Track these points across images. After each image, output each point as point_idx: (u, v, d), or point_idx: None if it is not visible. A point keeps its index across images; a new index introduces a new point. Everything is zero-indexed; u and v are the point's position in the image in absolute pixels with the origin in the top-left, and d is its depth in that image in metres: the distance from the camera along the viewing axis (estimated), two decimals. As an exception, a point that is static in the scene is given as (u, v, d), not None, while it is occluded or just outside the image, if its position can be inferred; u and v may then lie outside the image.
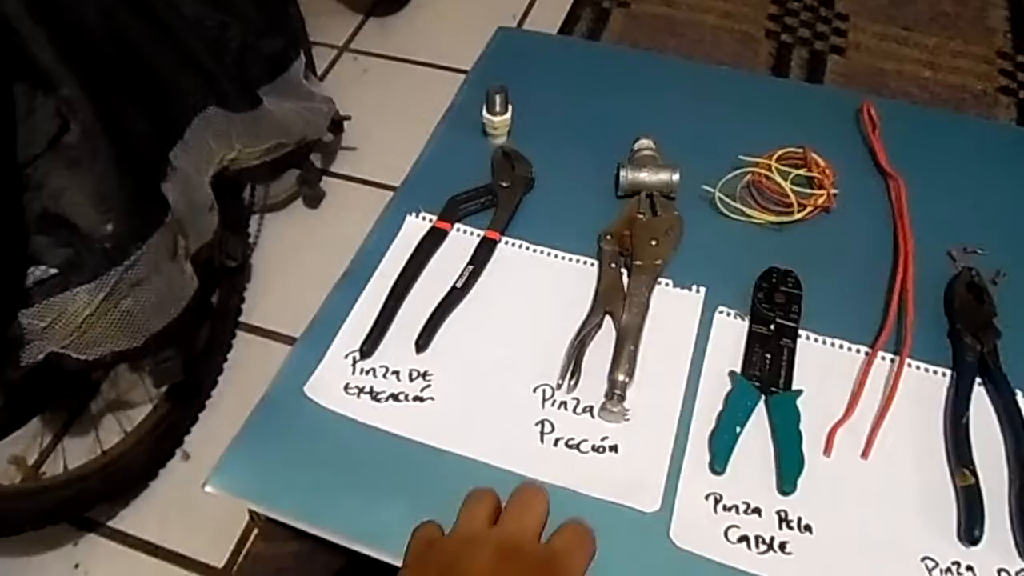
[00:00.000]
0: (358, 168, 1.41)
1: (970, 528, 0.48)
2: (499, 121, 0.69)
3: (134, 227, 0.81)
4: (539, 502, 0.43)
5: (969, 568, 0.48)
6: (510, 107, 0.70)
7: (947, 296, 0.60)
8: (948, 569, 0.48)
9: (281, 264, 1.29)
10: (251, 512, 0.56)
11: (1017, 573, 0.48)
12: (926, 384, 0.56)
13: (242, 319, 1.22)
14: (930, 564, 0.48)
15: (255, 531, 0.59)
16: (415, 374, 0.56)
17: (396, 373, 0.56)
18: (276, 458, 0.53)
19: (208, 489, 0.51)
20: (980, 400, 0.55)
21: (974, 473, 0.50)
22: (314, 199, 1.36)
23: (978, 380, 0.56)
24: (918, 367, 0.57)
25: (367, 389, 0.55)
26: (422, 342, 0.57)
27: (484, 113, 0.70)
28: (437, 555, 0.40)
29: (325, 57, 1.61)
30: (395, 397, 0.55)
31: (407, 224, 0.65)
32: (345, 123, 1.40)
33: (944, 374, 0.56)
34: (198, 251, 0.96)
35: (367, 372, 0.56)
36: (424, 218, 0.65)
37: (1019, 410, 0.53)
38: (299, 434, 0.53)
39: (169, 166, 0.91)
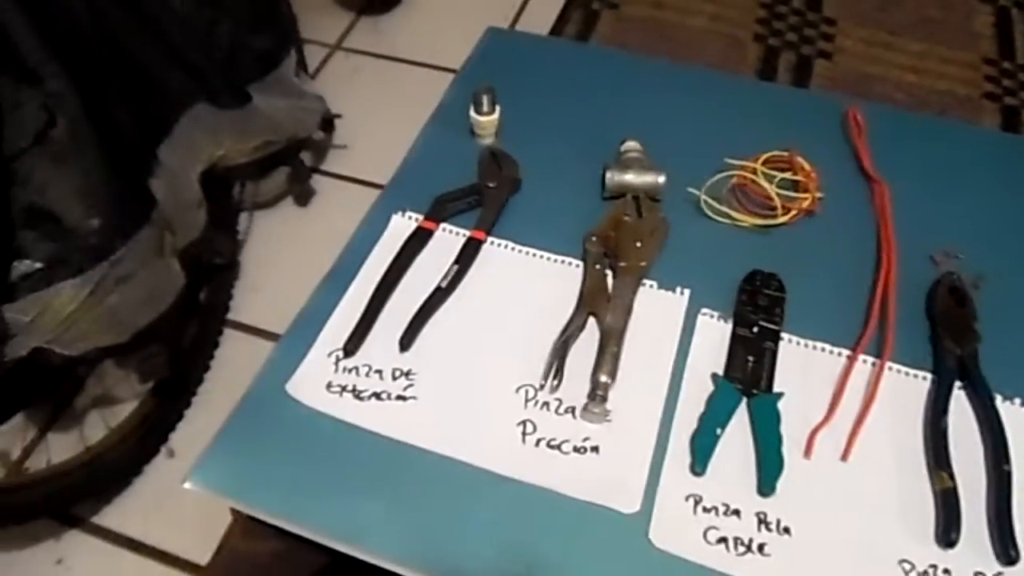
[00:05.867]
0: (348, 166, 1.41)
1: (947, 531, 0.49)
2: (486, 121, 0.70)
3: (120, 222, 0.80)
4: None
5: (946, 571, 0.48)
6: (497, 107, 0.70)
7: (929, 300, 0.61)
8: (925, 572, 0.48)
9: (270, 262, 1.28)
10: (233, 510, 0.56)
11: (993, 576, 0.48)
12: (906, 387, 0.56)
13: (230, 316, 1.22)
14: (907, 567, 0.48)
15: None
16: (398, 373, 0.56)
17: (379, 372, 0.56)
18: (256, 456, 0.52)
19: (187, 486, 0.50)
20: (959, 404, 0.55)
21: (952, 476, 0.51)
22: (304, 197, 1.36)
23: (958, 384, 0.56)
24: (899, 370, 0.57)
25: (349, 388, 0.55)
26: (405, 341, 0.57)
27: (471, 113, 0.70)
28: None
29: (317, 55, 1.60)
30: (377, 396, 0.55)
31: (393, 223, 0.65)
32: (336, 121, 1.39)
33: (924, 378, 0.57)
34: (186, 248, 0.96)
35: (350, 371, 0.56)
36: (410, 217, 0.65)
37: (997, 414, 0.54)
38: (280, 432, 0.53)
39: (156, 162, 0.90)
